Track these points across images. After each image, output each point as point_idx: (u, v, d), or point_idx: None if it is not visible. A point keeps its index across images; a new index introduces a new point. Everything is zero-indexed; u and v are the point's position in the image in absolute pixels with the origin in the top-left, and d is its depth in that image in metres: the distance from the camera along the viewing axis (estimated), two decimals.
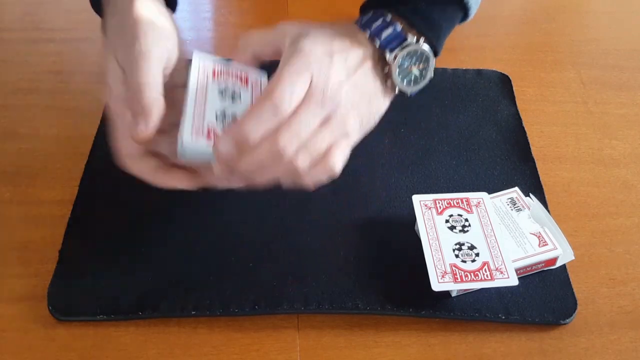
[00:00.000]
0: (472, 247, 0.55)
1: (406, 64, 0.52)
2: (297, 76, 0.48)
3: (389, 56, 0.51)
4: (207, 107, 0.50)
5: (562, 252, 0.55)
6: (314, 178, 0.50)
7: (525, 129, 0.69)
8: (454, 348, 0.53)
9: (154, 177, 0.52)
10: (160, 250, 0.57)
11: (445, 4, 0.54)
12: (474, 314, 0.54)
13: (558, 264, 0.56)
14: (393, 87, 0.53)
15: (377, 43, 0.52)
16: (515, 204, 0.58)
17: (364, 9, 0.56)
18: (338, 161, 0.50)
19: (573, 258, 0.56)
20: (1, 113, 0.69)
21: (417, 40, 0.52)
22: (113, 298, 0.53)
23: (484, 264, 0.53)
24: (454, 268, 0.53)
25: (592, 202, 0.63)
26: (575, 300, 0.55)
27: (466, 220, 0.56)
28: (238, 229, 0.59)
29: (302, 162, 0.49)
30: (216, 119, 0.50)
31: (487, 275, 0.52)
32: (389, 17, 0.53)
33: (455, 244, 0.54)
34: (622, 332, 0.54)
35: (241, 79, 0.54)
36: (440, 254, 0.54)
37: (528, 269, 0.55)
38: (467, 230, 0.56)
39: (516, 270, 0.55)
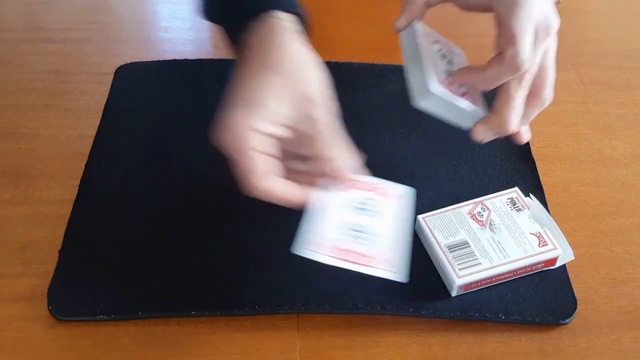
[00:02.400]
0: (360, 230, 0.52)
1: None
2: (526, 32, 0.51)
3: None
4: (437, 65, 0.53)
5: (562, 252, 0.55)
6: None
7: None
8: (454, 348, 0.53)
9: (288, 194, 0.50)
10: (160, 250, 0.57)
11: None
12: (474, 314, 0.54)
13: (558, 264, 0.56)
14: None
15: None
16: (515, 204, 0.58)
17: None
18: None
19: (573, 258, 0.56)
20: (1, 113, 0.69)
21: None
22: (113, 298, 0.53)
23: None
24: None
25: (592, 202, 0.63)
26: (575, 300, 0.55)
27: (376, 205, 0.54)
28: (238, 229, 0.59)
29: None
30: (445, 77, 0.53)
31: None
32: None
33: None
34: (622, 332, 0.54)
35: (448, 45, 0.58)
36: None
37: (528, 269, 0.55)
38: (371, 214, 0.53)
39: (516, 270, 0.55)
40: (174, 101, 0.70)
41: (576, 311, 0.54)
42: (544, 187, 0.63)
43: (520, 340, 0.53)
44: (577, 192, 0.64)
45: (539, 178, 0.64)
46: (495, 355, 0.52)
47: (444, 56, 0.56)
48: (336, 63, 0.73)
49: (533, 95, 0.54)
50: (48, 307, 0.53)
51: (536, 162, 0.65)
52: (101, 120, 0.67)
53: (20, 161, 0.64)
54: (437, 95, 0.52)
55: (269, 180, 0.48)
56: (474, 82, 0.53)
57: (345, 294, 0.54)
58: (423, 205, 0.61)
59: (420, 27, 0.56)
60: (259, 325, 0.53)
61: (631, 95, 0.74)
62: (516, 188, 0.60)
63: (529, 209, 0.58)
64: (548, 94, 0.54)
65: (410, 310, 0.54)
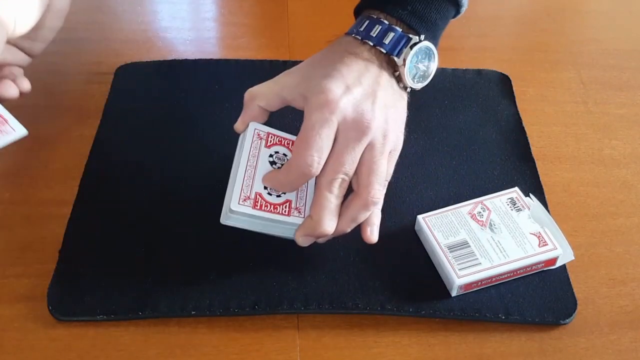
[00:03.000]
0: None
1: (413, 62, 0.54)
2: (321, 131, 0.50)
3: (397, 60, 0.53)
4: (257, 176, 0.53)
5: (562, 252, 0.55)
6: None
7: (525, 129, 0.69)
8: (454, 348, 0.53)
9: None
10: (160, 250, 0.57)
11: (439, 2, 0.55)
12: (474, 314, 0.54)
13: (558, 264, 0.56)
14: (405, 87, 0.55)
15: (383, 50, 0.53)
16: (515, 204, 0.58)
17: (357, 12, 0.57)
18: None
19: (573, 258, 0.56)
20: None
21: (420, 39, 0.53)
22: (113, 298, 0.53)
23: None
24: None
25: (592, 202, 0.63)
26: (575, 300, 0.55)
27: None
28: (238, 228, 0.58)
29: (379, 195, 0.52)
30: (264, 187, 0.53)
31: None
32: (386, 22, 0.53)
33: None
34: (622, 332, 0.54)
35: (291, 146, 0.56)
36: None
37: (528, 269, 0.55)
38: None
39: (516, 270, 0.55)
40: (174, 101, 0.70)
41: (576, 311, 0.54)
42: (544, 187, 0.63)
43: (520, 340, 0.53)
44: (577, 192, 0.64)
45: (539, 178, 0.64)
46: (495, 355, 0.52)
47: (274, 162, 0.55)
48: None
49: (356, 195, 0.52)
50: (48, 307, 0.53)
51: (536, 162, 0.65)
52: (101, 120, 0.67)
53: (20, 161, 0.64)
54: (240, 212, 0.51)
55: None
56: (273, 186, 0.53)
57: (345, 294, 0.54)
58: (423, 205, 0.61)
59: (253, 129, 0.56)
60: (258, 325, 0.53)
61: (631, 95, 0.74)
62: (516, 188, 0.60)
63: (529, 209, 0.58)
64: (371, 195, 0.52)
65: (410, 310, 0.54)
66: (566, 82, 0.76)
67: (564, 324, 0.54)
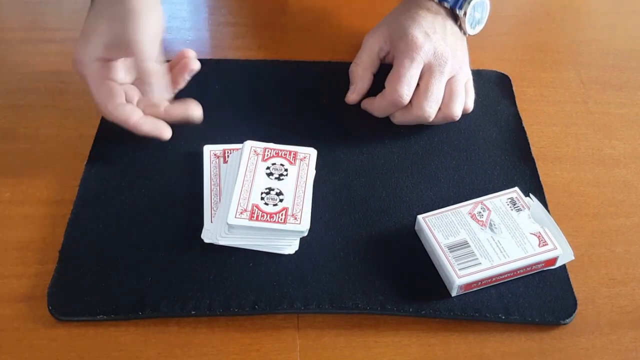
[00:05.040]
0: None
1: (471, 12, 0.68)
2: (410, 69, 0.64)
3: (459, 12, 0.68)
4: (254, 189, 0.57)
5: (562, 252, 0.55)
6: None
7: (525, 129, 0.69)
8: (454, 348, 0.53)
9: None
10: (160, 250, 0.57)
11: None
12: (474, 314, 0.54)
13: (558, 264, 0.56)
14: (465, 32, 0.69)
15: (447, 5, 0.67)
16: (515, 204, 0.58)
17: None
18: (470, 100, 0.69)
19: (573, 258, 0.56)
20: (1, 113, 0.69)
21: None
22: (113, 298, 0.53)
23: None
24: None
25: (592, 202, 0.63)
26: (575, 300, 0.55)
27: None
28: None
29: (457, 109, 0.66)
30: (261, 197, 0.56)
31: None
32: None
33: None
34: (622, 332, 0.54)
35: (288, 156, 0.60)
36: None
37: (528, 269, 0.55)
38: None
39: (516, 270, 0.55)
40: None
41: (576, 311, 0.54)
42: (544, 187, 0.63)
43: (520, 340, 0.53)
44: (577, 192, 0.64)
45: (539, 178, 0.64)
46: (495, 355, 0.52)
47: (270, 174, 0.58)
48: (337, 63, 0.73)
49: (440, 111, 0.65)
50: (48, 307, 0.53)
51: (536, 162, 0.65)
52: (101, 120, 0.67)
53: (20, 161, 0.64)
54: (237, 225, 0.54)
55: (125, 107, 0.60)
56: (368, 107, 0.68)
57: (345, 294, 0.54)
58: (423, 205, 0.61)
59: (250, 146, 0.60)
60: (258, 325, 0.53)
61: (631, 95, 0.74)
62: (516, 188, 0.60)
63: (529, 209, 0.58)
64: (453, 112, 0.65)
65: (410, 310, 0.54)
66: (566, 82, 0.76)
67: (564, 324, 0.54)
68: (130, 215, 0.59)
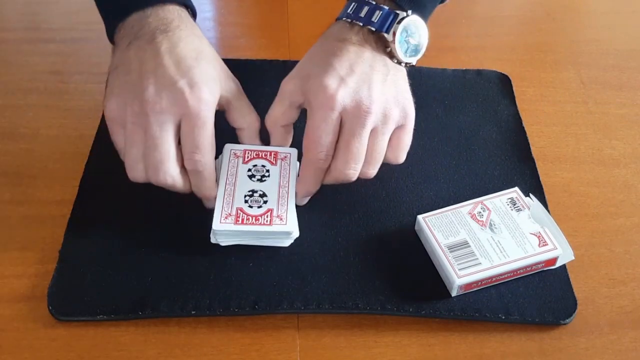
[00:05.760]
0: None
1: (403, 37, 0.56)
2: (325, 126, 0.54)
3: (387, 36, 0.55)
4: (237, 192, 0.56)
5: (562, 252, 0.55)
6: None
7: (525, 129, 0.69)
8: (454, 348, 0.53)
9: None
10: (160, 250, 0.57)
11: None
12: (474, 314, 0.54)
13: (558, 264, 0.56)
14: (399, 61, 0.57)
15: (373, 28, 0.55)
16: (515, 204, 0.58)
17: None
18: (402, 155, 0.58)
19: (573, 258, 0.56)
20: (1, 113, 0.69)
21: (407, 14, 0.55)
22: (113, 298, 0.53)
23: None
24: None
25: (592, 202, 0.63)
26: (575, 300, 0.55)
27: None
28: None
29: (373, 173, 0.57)
30: (244, 200, 0.56)
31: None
32: (373, 2, 0.56)
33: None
34: (622, 332, 0.54)
35: (269, 157, 0.59)
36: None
37: (528, 269, 0.55)
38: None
39: (516, 270, 0.55)
40: None
41: (576, 311, 0.54)
42: (544, 187, 0.63)
43: (520, 340, 0.53)
44: (577, 192, 0.64)
45: (539, 178, 0.64)
46: (495, 355, 0.52)
47: (252, 176, 0.57)
48: None
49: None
50: (48, 307, 0.53)
51: (536, 162, 0.65)
52: (101, 120, 0.67)
53: (20, 161, 0.64)
54: (223, 230, 0.54)
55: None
56: (306, 191, 0.58)
57: (345, 294, 0.54)
58: (423, 205, 0.61)
59: (229, 150, 0.59)
60: (258, 325, 0.53)
61: (631, 95, 0.74)
62: (516, 188, 0.60)
63: (529, 209, 0.58)
64: (366, 174, 0.57)
65: (410, 310, 0.54)
66: (566, 82, 0.76)
67: (564, 324, 0.54)
68: (131, 216, 0.59)
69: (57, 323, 0.53)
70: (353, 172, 0.55)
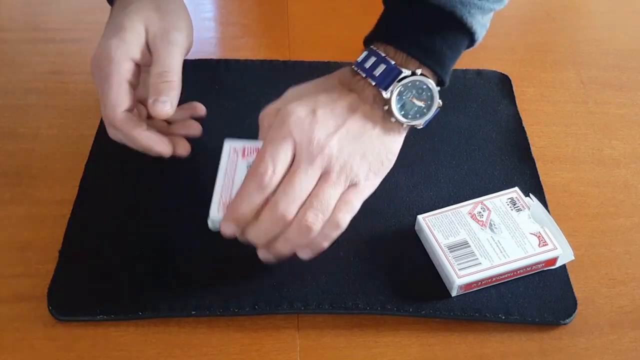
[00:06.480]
0: None
1: (406, 96, 0.51)
2: (278, 145, 0.49)
3: (384, 93, 0.51)
4: (235, 184, 0.55)
5: (562, 252, 0.55)
6: (325, 236, 0.51)
7: (525, 129, 0.69)
8: (454, 348, 0.53)
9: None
10: (160, 250, 0.57)
11: (447, 32, 0.52)
12: (474, 314, 0.54)
13: (558, 264, 0.56)
14: (399, 122, 0.52)
15: (372, 82, 0.51)
16: (515, 204, 0.58)
17: (366, 42, 0.54)
18: (343, 216, 0.51)
19: (573, 258, 0.56)
20: (1, 113, 0.69)
21: (414, 72, 0.51)
22: (113, 298, 0.53)
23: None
24: None
25: (592, 202, 0.63)
26: (575, 300, 0.55)
27: None
28: None
29: (312, 219, 0.49)
30: None
31: None
32: (382, 54, 0.52)
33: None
34: (622, 332, 0.54)
35: None
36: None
37: (528, 269, 0.55)
38: None
39: (516, 270, 0.55)
40: None
41: (576, 311, 0.54)
42: (544, 187, 0.63)
43: (520, 340, 0.53)
44: (577, 192, 0.64)
45: (539, 178, 0.64)
46: (495, 355, 0.52)
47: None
48: (336, 63, 0.73)
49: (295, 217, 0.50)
50: (48, 307, 0.53)
51: (536, 162, 0.65)
52: (101, 120, 0.67)
53: (20, 161, 0.64)
54: (220, 219, 0.52)
55: (132, 117, 0.55)
56: (233, 214, 0.51)
57: (345, 294, 0.54)
58: (423, 205, 0.61)
59: (229, 145, 0.58)
60: (258, 325, 0.53)
61: (631, 95, 0.74)
62: (516, 188, 0.60)
63: (529, 209, 0.58)
64: (305, 219, 0.49)
65: (410, 310, 0.54)
66: (566, 82, 0.76)
67: (564, 324, 0.54)
68: (130, 215, 0.59)
69: (57, 323, 0.53)
70: (290, 209, 0.49)
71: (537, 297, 0.55)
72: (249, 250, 0.57)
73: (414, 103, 0.52)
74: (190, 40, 0.60)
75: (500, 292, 0.55)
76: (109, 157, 0.64)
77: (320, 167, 0.49)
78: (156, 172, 0.63)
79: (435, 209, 0.59)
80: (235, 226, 0.51)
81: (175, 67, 0.56)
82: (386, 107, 0.51)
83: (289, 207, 0.49)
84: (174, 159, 0.64)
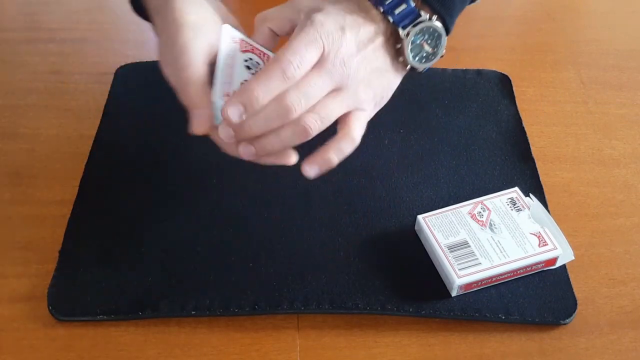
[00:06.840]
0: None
1: (418, 40, 0.53)
2: (308, 45, 0.49)
3: (401, 32, 0.52)
4: (235, 76, 0.52)
5: (562, 252, 0.55)
6: (337, 151, 0.51)
7: (525, 129, 0.69)
8: (454, 348, 0.53)
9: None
10: (160, 250, 0.57)
11: None
12: (474, 314, 0.54)
13: (558, 264, 0.56)
14: (405, 63, 0.54)
15: (391, 19, 0.52)
16: (515, 204, 0.58)
17: None
18: (356, 129, 0.52)
19: (573, 258, 0.56)
20: (1, 113, 0.69)
21: (430, 18, 0.52)
22: (113, 298, 0.53)
23: None
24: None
25: (592, 202, 0.63)
26: (575, 300, 0.55)
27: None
28: (238, 229, 0.59)
29: (312, 123, 0.49)
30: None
31: None
32: None
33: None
34: (622, 332, 0.54)
35: (263, 56, 0.54)
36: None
37: (528, 269, 0.55)
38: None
39: (516, 270, 0.55)
40: (174, 101, 0.69)
41: (576, 311, 0.54)
42: (544, 187, 0.63)
43: (520, 340, 0.53)
44: (577, 192, 0.64)
45: (539, 178, 0.64)
46: (495, 355, 0.52)
47: (249, 67, 0.53)
48: None
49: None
50: (48, 307, 0.53)
51: (536, 162, 0.65)
52: (101, 120, 0.67)
53: (20, 161, 0.64)
54: (220, 105, 0.50)
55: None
56: (249, 98, 0.50)
57: (345, 294, 0.54)
58: (423, 205, 0.61)
59: (227, 33, 0.54)
60: (258, 325, 0.53)
61: (631, 95, 0.74)
62: (516, 188, 0.60)
63: (529, 209, 0.58)
64: (308, 119, 0.50)
65: (410, 310, 0.54)
66: (566, 82, 0.76)
67: (564, 324, 0.54)
68: (130, 215, 0.59)
69: (57, 323, 0.53)
70: (298, 105, 0.49)
71: (537, 297, 0.55)
72: (249, 250, 0.57)
73: (423, 48, 0.53)
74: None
75: (500, 292, 0.55)
76: (109, 157, 0.64)
77: (335, 82, 0.50)
78: (156, 172, 0.63)
79: (435, 209, 0.59)
80: (242, 110, 0.49)
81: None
82: (398, 46, 0.53)
83: (298, 102, 0.49)
84: (173, 159, 0.64)
